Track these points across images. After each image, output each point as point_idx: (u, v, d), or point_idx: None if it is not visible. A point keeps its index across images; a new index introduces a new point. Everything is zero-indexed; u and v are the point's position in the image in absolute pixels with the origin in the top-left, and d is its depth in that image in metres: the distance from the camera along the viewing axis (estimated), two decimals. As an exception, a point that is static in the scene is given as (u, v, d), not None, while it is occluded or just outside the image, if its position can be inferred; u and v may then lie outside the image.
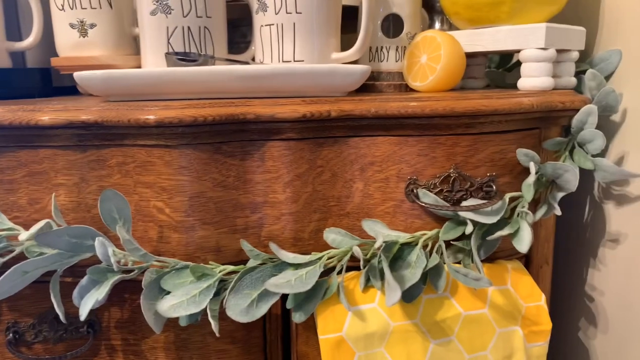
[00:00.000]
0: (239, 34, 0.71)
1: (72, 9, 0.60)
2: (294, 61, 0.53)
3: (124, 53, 0.64)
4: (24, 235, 0.43)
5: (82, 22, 0.61)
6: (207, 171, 0.49)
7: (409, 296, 0.48)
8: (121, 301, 0.54)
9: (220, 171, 0.50)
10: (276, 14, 0.52)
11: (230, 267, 0.48)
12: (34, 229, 0.42)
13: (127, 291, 0.53)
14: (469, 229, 0.48)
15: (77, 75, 0.50)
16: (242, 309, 0.45)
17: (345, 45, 0.57)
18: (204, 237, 0.50)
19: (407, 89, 0.61)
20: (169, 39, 0.53)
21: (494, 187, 0.51)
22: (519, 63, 0.74)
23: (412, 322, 0.49)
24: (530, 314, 0.52)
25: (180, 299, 0.44)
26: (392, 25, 0.61)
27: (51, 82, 0.66)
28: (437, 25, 0.69)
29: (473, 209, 0.48)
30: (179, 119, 0.46)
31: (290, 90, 0.51)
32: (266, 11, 0.53)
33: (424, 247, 0.50)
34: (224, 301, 0.46)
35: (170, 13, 0.52)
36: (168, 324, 0.55)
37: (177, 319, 0.54)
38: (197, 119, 0.46)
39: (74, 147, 0.50)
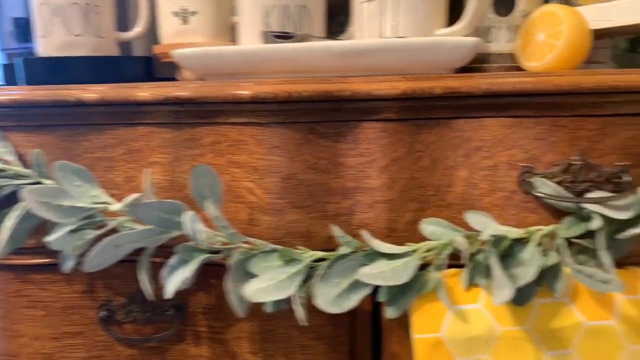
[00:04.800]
0: (337, 22, 0.69)
1: (176, -3, 0.61)
2: (396, 38, 0.50)
3: (222, 41, 0.64)
4: (115, 206, 0.43)
5: (184, 10, 0.62)
6: (300, 152, 0.47)
7: (520, 298, 0.42)
8: (208, 286, 0.53)
9: (312, 153, 0.47)
10: (378, -12, 0.49)
11: (320, 253, 0.45)
12: (126, 200, 0.42)
13: (213, 276, 0.52)
14: (596, 224, 0.42)
15: (174, 52, 0.50)
16: (331, 298, 0.42)
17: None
18: (294, 222, 0.48)
19: (520, 71, 0.55)
20: (267, 19, 0.52)
21: (626, 179, 0.44)
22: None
23: (523, 329, 0.42)
24: (670, 331, 0.43)
25: (267, 283, 0.42)
26: (504, 2, 0.56)
27: (154, 71, 0.68)
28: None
29: (601, 200, 0.42)
30: (274, 94, 0.44)
31: (391, 68, 0.47)
32: (366, -14, 0.50)
33: (539, 244, 0.44)
34: (311, 289, 0.43)
35: (269, -8, 0.51)
36: (254, 312, 0.52)
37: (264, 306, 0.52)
38: (291, 94, 0.44)
39: (170, 125, 0.49)
